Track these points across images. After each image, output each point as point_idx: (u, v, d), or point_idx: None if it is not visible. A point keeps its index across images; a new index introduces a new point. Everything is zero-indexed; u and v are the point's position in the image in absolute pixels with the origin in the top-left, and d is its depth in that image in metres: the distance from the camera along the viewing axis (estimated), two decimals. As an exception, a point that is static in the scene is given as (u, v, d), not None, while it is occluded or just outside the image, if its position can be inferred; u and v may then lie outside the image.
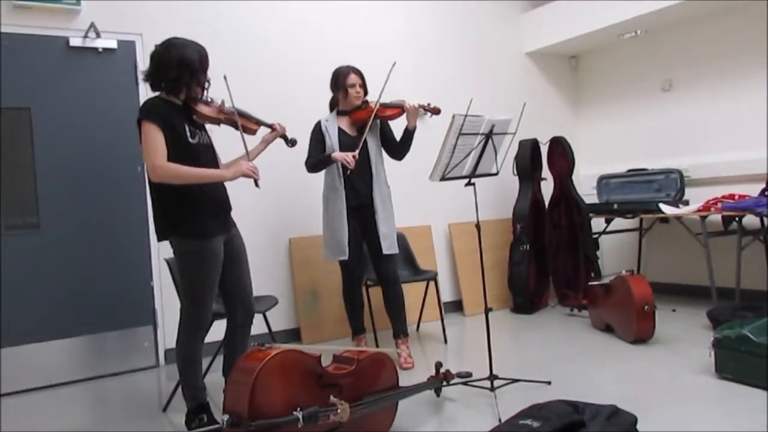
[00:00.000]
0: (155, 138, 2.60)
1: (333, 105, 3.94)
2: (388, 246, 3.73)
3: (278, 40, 4.60)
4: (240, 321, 2.94)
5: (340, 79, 3.75)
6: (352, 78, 3.72)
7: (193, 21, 4.21)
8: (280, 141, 3.21)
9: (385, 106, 3.67)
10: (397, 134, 3.84)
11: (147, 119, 2.62)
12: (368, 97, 3.79)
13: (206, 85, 2.83)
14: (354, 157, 3.55)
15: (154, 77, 2.74)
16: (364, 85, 3.77)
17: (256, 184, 2.83)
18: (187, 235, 2.69)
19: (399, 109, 3.67)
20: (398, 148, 3.83)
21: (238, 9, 4.43)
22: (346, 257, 3.72)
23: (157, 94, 2.78)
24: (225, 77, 2.81)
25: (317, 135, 3.77)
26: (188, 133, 2.70)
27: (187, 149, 2.68)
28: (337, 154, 3.61)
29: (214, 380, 3.20)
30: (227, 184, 2.89)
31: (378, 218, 3.71)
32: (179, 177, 2.61)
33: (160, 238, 2.77)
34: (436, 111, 3.72)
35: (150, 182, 2.72)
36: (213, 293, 2.77)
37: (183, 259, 2.72)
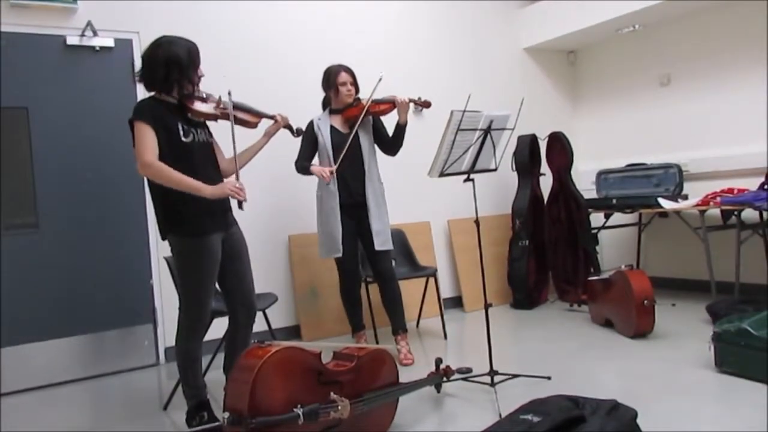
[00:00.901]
0: (145, 136, 2.60)
1: (325, 104, 3.94)
2: (382, 242, 3.73)
3: (276, 38, 4.58)
4: (242, 319, 2.93)
5: (331, 78, 3.75)
6: (343, 76, 3.72)
7: (190, 19, 4.20)
8: (281, 137, 3.19)
9: (376, 102, 3.68)
10: (390, 131, 3.84)
11: (138, 119, 2.62)
12: (360, 95, 3.79)
13: (198, 80, 2.80)
14: (331, 173, 3.60)
15: (145, 77, 2.73)
16: (355, 83, 3.77)
17: (240, 206, 2.71)
18: (184, 234, 2.69)
19: (390, 104, 3.67)
20: (391, 144, 3.83)
21: (236, 7, 4.42)
22: (339, 254, 3.73)
23: (152, 94, 2.77)
24: (229, 93, 2.79)
25: (310, 134, 3.77)
26: (181, 132, 2.69)
27: (180, 148, 2.67)
28: (315, 168, 3.67)
29: (215, 378, 3.20)
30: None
31: (371, 215, 3.71)
32: (163, 178, 2.60)
33: (162, 237, 2.78)
34: (426, 104, 3.74)
35: (148, 180, 2.72)
36: (211, 291, 2.77)
37: (180, 257, 2.72)
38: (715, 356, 3.12)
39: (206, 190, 2.63)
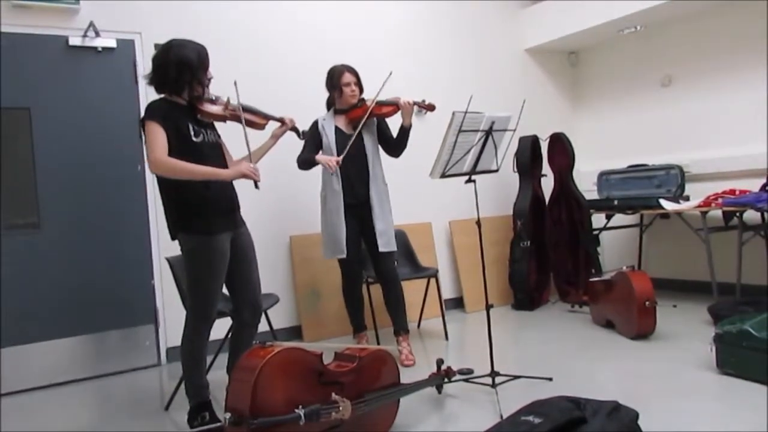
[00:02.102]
0: (156, 134, 2.63)
1: (330, 104, 3.94)
2: (385, 243, 3.73)
3: (277, 38, 4.59)
4: (247, 319, 2.96)
5: (334, 79, 3.75)
6: (347, 77, 3.72)
7: (191, 19, 4.21)
8: (284, 138, 3.20)
9: (380, 104, 3.68)
10: (394, 132, 3.85)
11: (148, 118, 2.67)
12: (364, 95, 3.79)
13: (207, 82, 2.84)
14: (337, 162, 3.58)
15: (156, 79, 2.78)
16: (359, 83, 3.77)
17: (256, 186, 2.82)
18: (193, 232, 2.71)
19: (394, 106, 3.68)
20: (395, 146, 3.84)
21: (237, 8, 4.42)
22: (344, 255, 3.73)
23: (162, 95, 2.80)
24: (235, 83, 2.83)
25: (313, 133, 3.78)
26: (192, 132, 2.73)
27: (191, 148, 2.70)
28: (321, 157, 3.65)
29: (216, 378, 3.20)
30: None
31: (375, 216, 3.72)
32: (177, 171, 2.63)
33: (172, 236, 2.80)
34: (430, 108, 3.73)
35: (158, 180, 2.75)
36: (219, 290, 2.79)
37: (189, 255, 2.75)
38: (716, 357, 3.12)
39: (223, 173, 2.74)
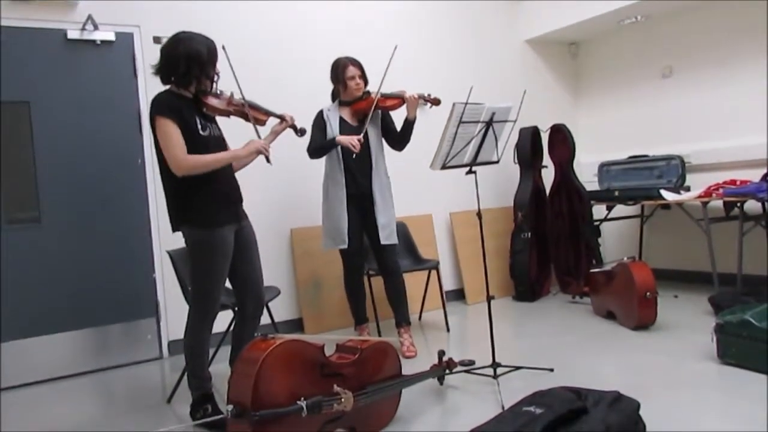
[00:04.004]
0: (173, 133, 2.63)
1: (334, 96, 3.93)
2: (387, 236, 3.73)
3: (276, 30, 4.57)
4: (250, 312, 2.96)
5: (339, 72, 3.74)
6: (351, 70, 3.71)
7: (190, 12, 4.19)
8: (285, 133, 3.21)
9: (385, 97, 3.67)
10: (398, 125, 3.84)
11: (161, 115, 2.65)
12: (369, 87, 3.79)
13: (215, 77, 2.84)
14: (360, 140, 3.55)
15: (163, 71, 2.77)
16: (363, 76, 3.76)
17: (268, 160, 2.90)
18: (197, 225, 2.72)
19: (399, 99, 3.67)
20: (399, 139, 3.83)
21: (236, 4, 4.39)
22: (345, 245, 3.73)
23: (167, 87, 2.79)
24: (223, 47, 2.85)
25: (319, 123, 3.77)
26: (199, 126, 2.73)
27: (198, 142, 2.71)
28: (342, 138, 3.60)
29: (219, 371, 3.21)
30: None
31: (377, 208, 3.71)
32: (201, 166, 2.67)
33: (173, 229, 2.80)
34: (436, 102, 3.72)
35: (161, 174, 2.75)
36: (221, 283, 2.79)
37: (192, 248, 2.75)
38: (717, 348, 3.13)
39: (240, 152, 2.83)
